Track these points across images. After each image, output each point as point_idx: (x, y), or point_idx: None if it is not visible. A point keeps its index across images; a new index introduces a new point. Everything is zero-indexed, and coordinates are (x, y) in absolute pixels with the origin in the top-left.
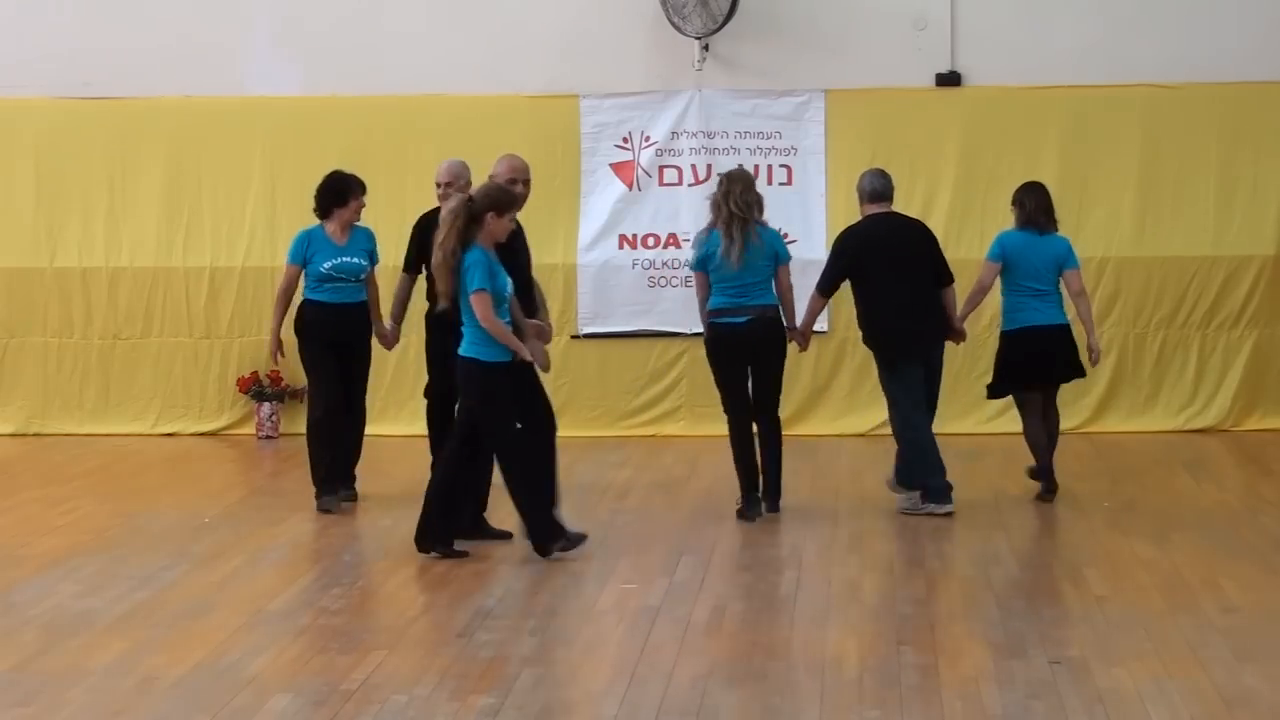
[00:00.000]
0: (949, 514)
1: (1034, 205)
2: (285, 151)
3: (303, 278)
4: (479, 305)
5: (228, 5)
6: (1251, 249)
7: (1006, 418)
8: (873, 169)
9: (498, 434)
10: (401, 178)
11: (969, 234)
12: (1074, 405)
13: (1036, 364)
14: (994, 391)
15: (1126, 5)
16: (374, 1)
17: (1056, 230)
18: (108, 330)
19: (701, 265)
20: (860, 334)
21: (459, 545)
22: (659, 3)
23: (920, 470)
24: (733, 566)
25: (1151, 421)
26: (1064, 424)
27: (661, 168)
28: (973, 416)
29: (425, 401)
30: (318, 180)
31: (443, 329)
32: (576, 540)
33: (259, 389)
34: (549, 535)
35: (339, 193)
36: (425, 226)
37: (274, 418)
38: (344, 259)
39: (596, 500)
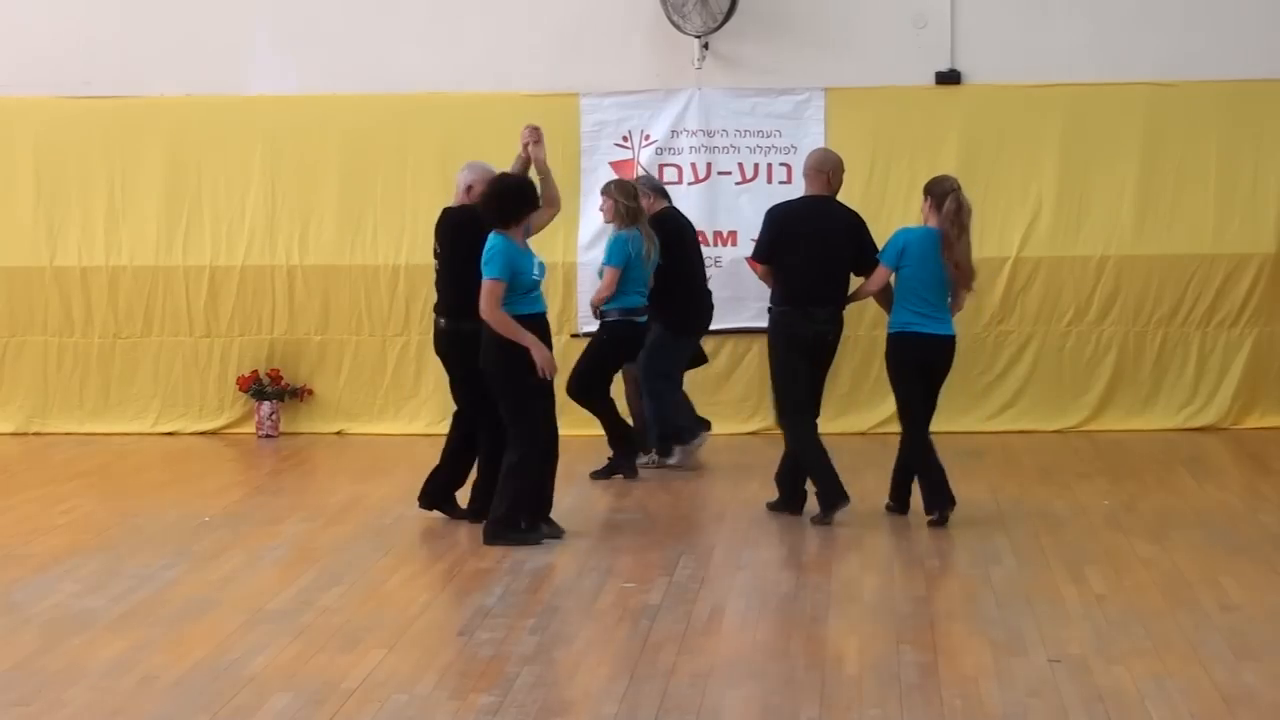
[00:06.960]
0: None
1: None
2: (285, 150)
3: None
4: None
5: (228, 4)
6: (1251, 247)
7: (1006, 416)
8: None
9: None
10: (401, 177)
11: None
12: (1074, 403)
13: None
14: None
15: (1126, 3)
16: (374, 1)
17: None
18: (108, 329)
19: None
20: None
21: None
22: (659, 1)
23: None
24: (733, 566)
25: (1151, 419)
26: (1064, 422)
27: (661, 166)
28: (972, 415)
29: None
30: (318, 180)
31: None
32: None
33: (259, 388)
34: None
35: (531, 199)
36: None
37: (274, 416)
38: (539, 263)
39: (596, 500)
